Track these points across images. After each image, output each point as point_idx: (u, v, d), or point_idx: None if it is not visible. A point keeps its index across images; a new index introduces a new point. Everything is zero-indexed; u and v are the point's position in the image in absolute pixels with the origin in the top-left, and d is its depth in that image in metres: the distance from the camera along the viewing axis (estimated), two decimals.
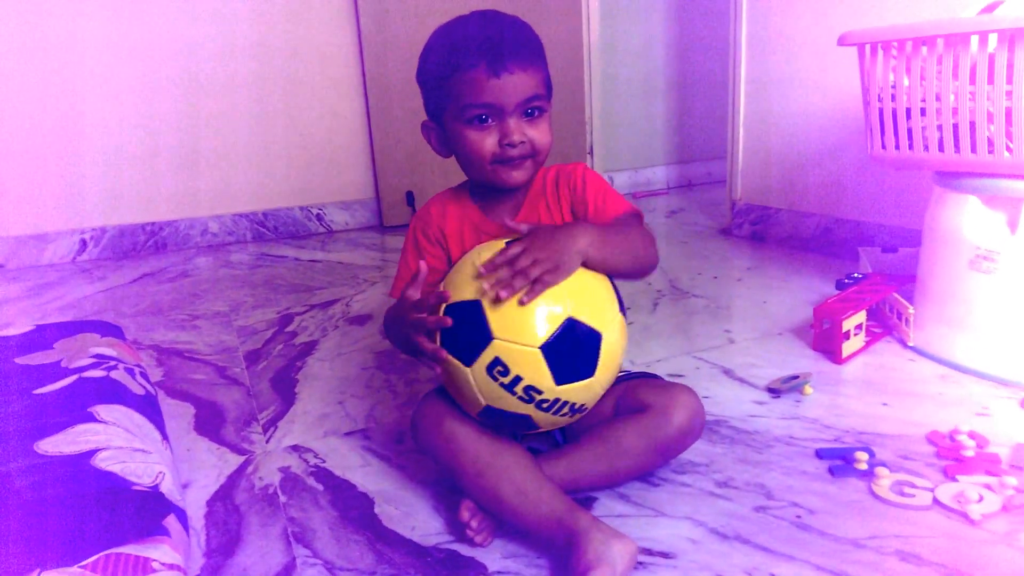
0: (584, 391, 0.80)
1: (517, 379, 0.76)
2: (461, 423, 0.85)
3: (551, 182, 0.96)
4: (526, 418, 0.80)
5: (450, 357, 0.79)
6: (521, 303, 0.76)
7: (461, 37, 0.88)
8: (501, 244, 0.82)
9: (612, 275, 0.86)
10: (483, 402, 0.79)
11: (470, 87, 0.86)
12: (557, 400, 0.78)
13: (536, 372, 0.76)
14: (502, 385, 0.77)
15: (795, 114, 2.08)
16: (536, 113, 0.89)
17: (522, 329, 0.76)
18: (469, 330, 0.77)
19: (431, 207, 0.98)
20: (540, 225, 0.84)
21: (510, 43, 0.86)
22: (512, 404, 0.78)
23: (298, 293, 1.92)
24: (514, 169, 0.89)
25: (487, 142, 0.88)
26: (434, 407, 0.88)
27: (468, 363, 0.78)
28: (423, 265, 0.85)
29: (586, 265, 0.81)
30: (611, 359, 0.82)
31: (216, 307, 1.82)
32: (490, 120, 0.87)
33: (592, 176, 0.95)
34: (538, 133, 0.89)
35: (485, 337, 0.76)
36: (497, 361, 0.76)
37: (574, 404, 0.80)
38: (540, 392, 0.77)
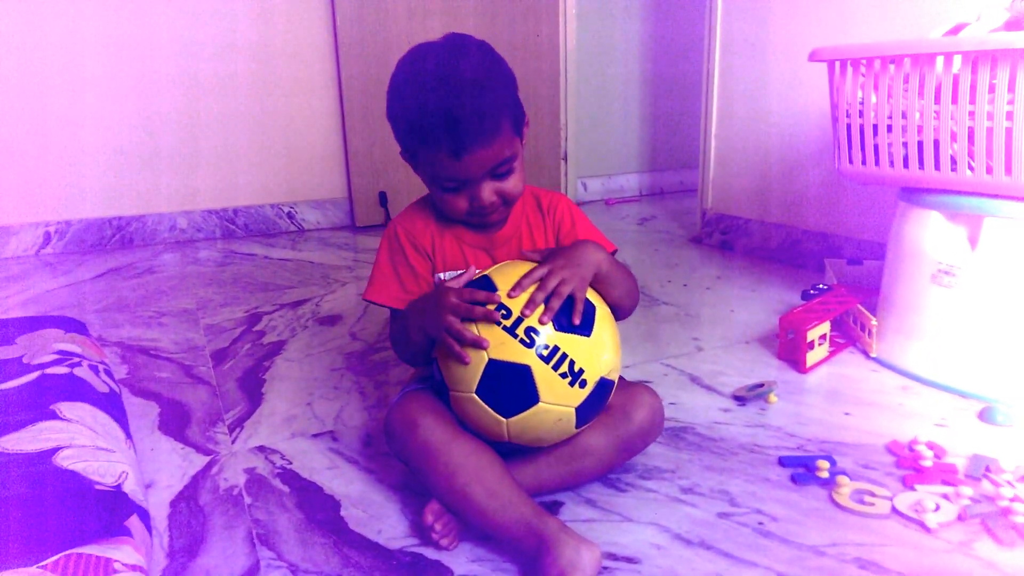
0: (580, 347, 0.82)
1: (518, 320, 0.81)
2: (436, 424, 0.85)
3: (532, 205, 0.99)
4: (526, 373, 0.80)
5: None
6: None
7: (422, 108, 0.85)
8: (520, 263, 0.89)
9: (607, 298, 0.90)
10: (486, 356, 0.81)
11: (436, 164, 0.87)
12: (556, 349, 0.81)
13: (535, 314, 0.81)
14: (504, 328, 0.81)
15: (766, 126, 2.11)
16: (506, 172, 0.89)
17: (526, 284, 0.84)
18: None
19: (416, 218, 0.97)
20: (553, 249, 0.90)
21: (469, 119, 0.83)
22: (513, 351, 0.80)
23: (267, 292, 1.90)
24: (487, 218, 0.93)
25: (459, 203, 0.90)
26: (409, 409, 0.88)
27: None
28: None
29: (595, 279, 0.87)
30: (604, 331, 0.86)
31: (183, 304, 1.80)
32: (460, 188, 0.89)
33: (579, 214, 1.00)
34: (509, 185, 0.90)
35: (491, 291, 0.84)
36: (500, 306, 0.82)
37: (572, 362, 0.81)
38: (539, 335, 0.81)
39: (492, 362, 0.80)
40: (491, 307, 0.82)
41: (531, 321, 0.81)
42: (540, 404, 0.81)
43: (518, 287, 0.83)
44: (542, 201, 0.99)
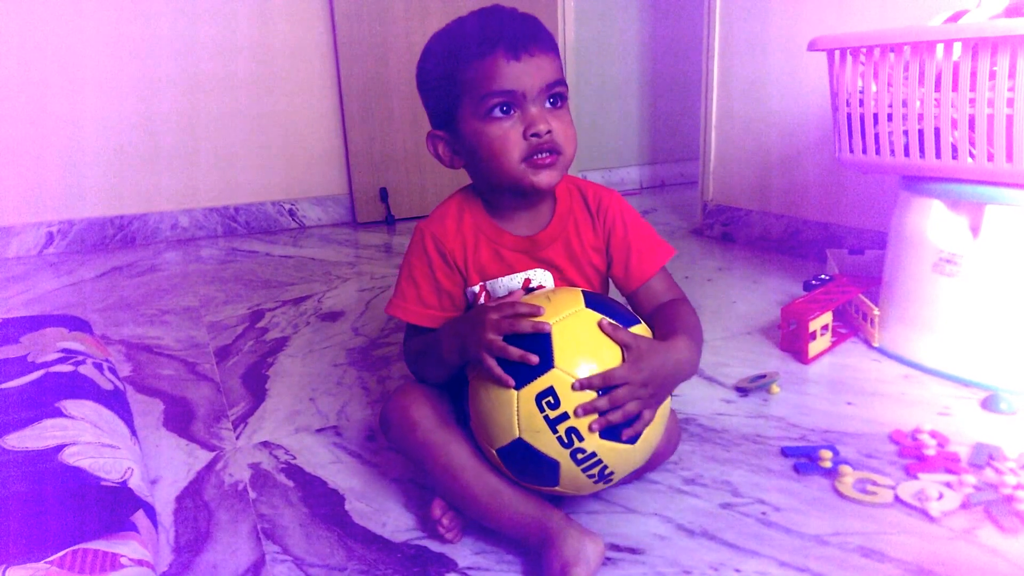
0: (619, 456, 0.75)
1: (564, 416, 0.72)
2: (435, 425, 0.83)
3: (578, 201, 0.91)
4: (554, 466, 0.74)
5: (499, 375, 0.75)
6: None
7: (471, 27, 0.82)
8: (587, 317, 0.76)
9: None
10: (516, 433, 0.74)
11: (487, 74, 0.79)
12: (593, 455, 0.73)
13: (585, 417, 0.72)
14: (546, 419, 0.72)
15: (766, 116, 2.11)
16: (559, 102, 0.83)
17: (587, 372, 0.73)
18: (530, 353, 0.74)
19: (447, 222, 0.89)
20: (641, 340, 0.76)
21: (527, 25, 0.82)
22: (547, 443, 0.73)
23: (269, 289, 1.90)
24: (543, 169, 0.82)
25: (511, 136, 0.80)
26: (407, 403, 0.85)
27: (518, 386, 0.73)
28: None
29: None
30: (652, 435, 0.78)
31: (185, 302, 1.80)
32: (512, 111, 0.80)
33: (631, 217, 0.92)
34: (562, 125, 0.82)
35: (546, 364, 0.72)
36: (550, 391, 0.72)
37: (605, 467, 0.75)
38: (582, 439, 0.72)
39: (520, 441, 0.74)
40: (539, 386, 0.72)
41: (578, 423, 0.71)
42: (558, 487, 0.77)
43: (587, 385, 0.71)
44: (589, 199, 0.91)
